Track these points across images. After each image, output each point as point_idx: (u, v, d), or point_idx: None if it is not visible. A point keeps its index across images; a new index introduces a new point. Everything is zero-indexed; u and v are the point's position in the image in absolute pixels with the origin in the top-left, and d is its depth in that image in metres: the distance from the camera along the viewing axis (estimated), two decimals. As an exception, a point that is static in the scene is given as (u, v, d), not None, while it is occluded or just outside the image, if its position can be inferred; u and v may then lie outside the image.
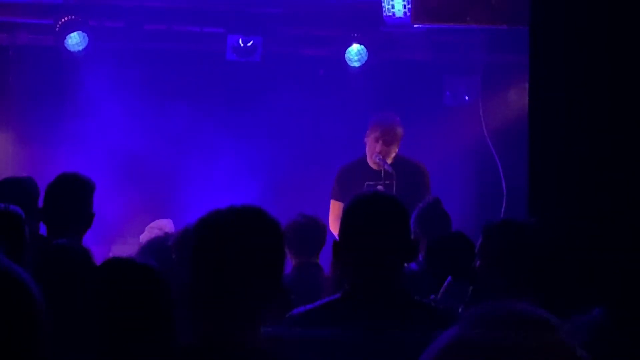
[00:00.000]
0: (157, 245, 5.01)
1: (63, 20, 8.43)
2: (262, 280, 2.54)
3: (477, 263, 3.54)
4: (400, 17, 8.00)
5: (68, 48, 8.48)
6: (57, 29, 8.45)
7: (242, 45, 8.61)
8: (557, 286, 3.54)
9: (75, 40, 8.48)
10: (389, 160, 7.36)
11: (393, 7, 7.98)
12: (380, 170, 7.35)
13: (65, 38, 8.44)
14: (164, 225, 7.32)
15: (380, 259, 3.15)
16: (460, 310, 3.68)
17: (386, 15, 8.04)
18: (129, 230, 8.36)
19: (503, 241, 3.57)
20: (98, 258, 3.77)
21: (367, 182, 7.36)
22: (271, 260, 2.58)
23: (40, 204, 5.30)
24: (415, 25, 7.83)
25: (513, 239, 3.57)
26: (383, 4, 8.00)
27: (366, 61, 8.75)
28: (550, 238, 3.68)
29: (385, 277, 3.16)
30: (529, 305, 1.44)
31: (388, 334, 3.01)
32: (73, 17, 8.44)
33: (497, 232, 3.63)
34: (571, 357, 1.41)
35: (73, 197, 5.15)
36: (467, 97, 9.02)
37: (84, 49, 8.51)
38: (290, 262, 6.00)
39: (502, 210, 8.62)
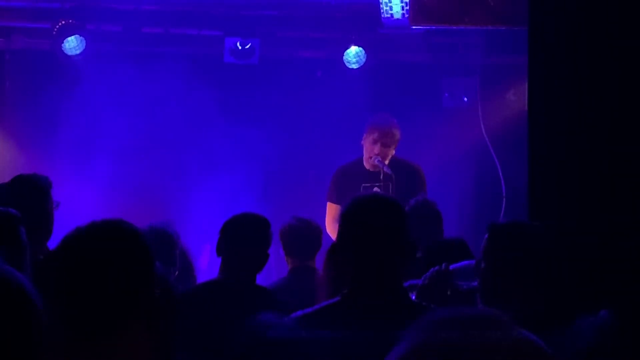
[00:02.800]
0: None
1: (60, 24, 8.41)
2: (130, 297, 2.40)
3: (482, 265, 3.48)
4: (398, 19, 7.99)
5: (65, 52, 8.47)
6: (54, 33, 8.44)
7: (239, 47, 8.60)
8: (563, 288, 3.51)
9: (72, 44, 8.47)
10: (386, 162, 7.34)
11: (391, 8, 7.97)
12: (378, 171, 7.33)
13: (62, 42, 8.43)
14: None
15: (380, 261, 3.12)
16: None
17: (384, 17, 8.03)
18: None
19: (512, 243, 3.49)
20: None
21: (363, 184, 7.34)
22: (137, 274, 2.43)
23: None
24: (413, 27, 7.82)
25: (521, 241, 3.50)
26: (381, 6, 7.99)
27: (364, 63, 8.74)
28: (552, 240, 3.65)
29: (386, 280, 3.14)
30: (484, 309, 1.43)
31: (387, 335, 2.97)
32: (70, 21, 8.42)
33: (505, 233, 3.55)
34: (537, 353, 1.40)
35: (24, 201, 4.56)
36: (465, 99, 9.01)
37: (82, 53, 8.50)
38: (286, 266, 6.00)
39: (502, 211, 8.60)
